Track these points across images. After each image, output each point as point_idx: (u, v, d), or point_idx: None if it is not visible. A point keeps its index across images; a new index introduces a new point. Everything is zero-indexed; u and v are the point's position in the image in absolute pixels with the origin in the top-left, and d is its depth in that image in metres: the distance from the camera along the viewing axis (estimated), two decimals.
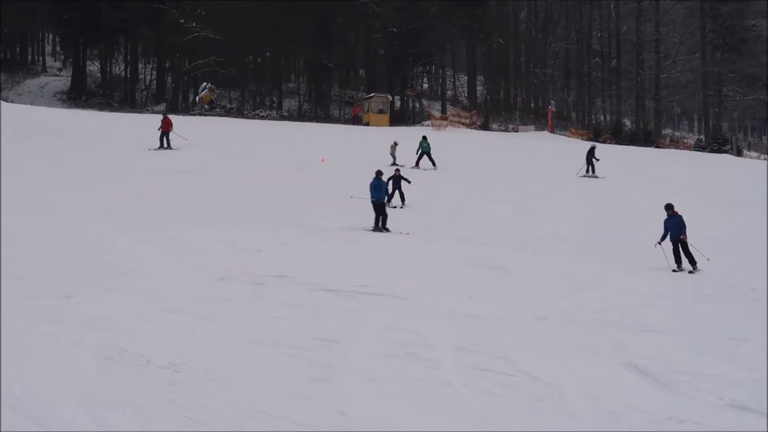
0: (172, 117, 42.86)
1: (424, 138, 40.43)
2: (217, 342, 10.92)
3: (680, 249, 19.84)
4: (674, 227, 20.00)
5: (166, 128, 39.82)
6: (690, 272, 19.39)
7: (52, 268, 15.56)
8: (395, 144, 39.78)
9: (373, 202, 25.00)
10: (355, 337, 11.61)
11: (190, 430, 7.73)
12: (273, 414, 8.21)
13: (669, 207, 20.44)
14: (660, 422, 8.68)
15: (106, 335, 10.81)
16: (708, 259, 19.55)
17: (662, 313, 14.55)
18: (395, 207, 28.00)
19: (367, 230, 24.09)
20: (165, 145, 39.70)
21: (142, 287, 14.31)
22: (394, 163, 39.10)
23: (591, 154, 39.24)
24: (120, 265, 16.21)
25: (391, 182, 28.31)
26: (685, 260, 19.74)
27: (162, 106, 71.52)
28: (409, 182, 28.98)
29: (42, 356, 9.73)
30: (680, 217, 20.17)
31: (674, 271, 19.53)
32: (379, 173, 25.89)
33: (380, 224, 24.48)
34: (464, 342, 11.48)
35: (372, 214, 24.66)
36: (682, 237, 19.83)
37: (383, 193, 25.52)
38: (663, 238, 20.09)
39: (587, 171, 38.82)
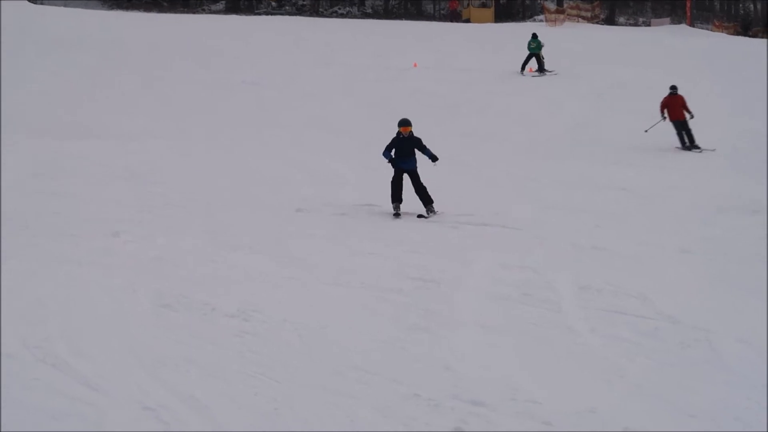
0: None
1: (534, 36, 39.61)
2: (294, 285, 10.91)
3: None
4: None
5: None
6: None
7: (98, 201, 15.74)
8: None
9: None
10: (460, 277, 11.51)
11: (268, 390, 7.71)
12: (365, 370, 8.14)
13: None
14: None
15: (163, 280, 10.90)
16: None
17: None
18: (421, 216, 15.79)
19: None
20: None
21: (204, 222, 14.41)
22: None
23: None
24: (178, 197, 16.34)
25: (392, 150, 16.26)
26: None
27: (221, 5, 71.36)
28: (435, 160, 16.31)
29: (90, 307, 9.83)
30: None
31: None
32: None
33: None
34: (591, 280, 11.30)
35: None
36: None
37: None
38: None
39: None
